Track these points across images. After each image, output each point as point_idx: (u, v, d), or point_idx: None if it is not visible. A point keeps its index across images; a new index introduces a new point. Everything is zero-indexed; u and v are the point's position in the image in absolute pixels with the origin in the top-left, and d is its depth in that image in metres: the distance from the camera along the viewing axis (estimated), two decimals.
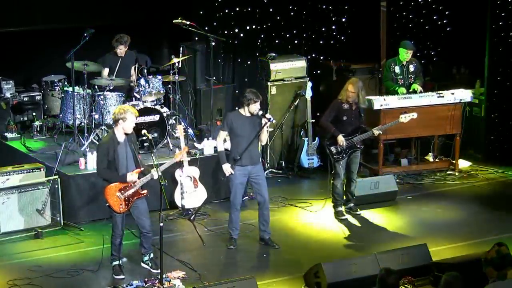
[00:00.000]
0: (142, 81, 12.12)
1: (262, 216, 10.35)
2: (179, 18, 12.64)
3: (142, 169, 9.33)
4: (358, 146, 11.21)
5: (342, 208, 11.39)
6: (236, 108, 10.25)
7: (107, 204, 9.32)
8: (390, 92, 12.85)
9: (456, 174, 13.01)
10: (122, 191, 9.26)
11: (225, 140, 10.34)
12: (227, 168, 10.09)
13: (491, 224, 11.10)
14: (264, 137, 10.23)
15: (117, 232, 9.43)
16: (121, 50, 12.34)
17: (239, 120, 10.08)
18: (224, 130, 10.19)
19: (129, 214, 9.47)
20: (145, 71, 12.41)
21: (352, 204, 11.51)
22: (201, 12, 13.79)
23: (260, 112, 10.05)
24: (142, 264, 9.70)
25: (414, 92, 12.75)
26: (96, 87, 12.06)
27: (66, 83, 12.67)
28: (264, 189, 10.25)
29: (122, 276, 9.46)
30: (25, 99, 12.96)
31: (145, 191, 9.38)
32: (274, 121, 10.56)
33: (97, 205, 11.11)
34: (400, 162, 13.24)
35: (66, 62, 11.89)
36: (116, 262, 9.54)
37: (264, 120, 10.02)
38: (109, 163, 9.22)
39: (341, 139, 11.07)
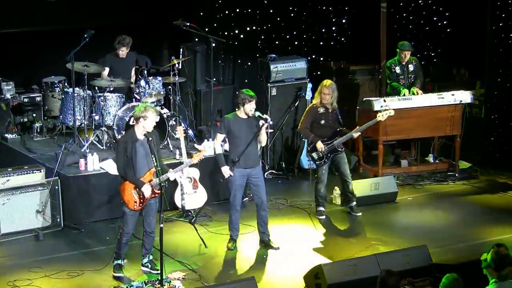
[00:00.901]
0: (142, 82, 12.12)
1: (260, 218, 10.35)
2: (179, 19, 12.66)
3: (159, 169, 9.28)
4: (339, 149, 11.22)
5: (323, 208, 11.41)
6: (236, 110, 10.20)
7: (121, 201, 9.31)
8: (396, 92, 12.82)
9: (456, 175, 13.01)
10: (137, 190, 9.28)
11: (224, 141, 10.34)
12: (226, 170, 10.08)
13: (491, 225, 11.10)
14: (263, 138, 10.20)
15: (126, 231, 9.42)
16: (123, 52, 12.34)
17: (237, 122, 10.05)
18: (221, 133, 10.17)
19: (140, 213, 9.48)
20: (145, 72, 12.41)
21: (353, 204, 11.51)
22: (201, 13, 13.81)
23: (257, 114, 10.01)
24: (142, 267, 9.70)
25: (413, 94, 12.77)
26: (96, 88, 12.06)
27: (66, 84, 12.67)
28: (262, 190, 10.24)
29: (122, 275, 9.46)
30: (25, 100, 12.94)
31: (160, 190, 9.37)
32: (271, 123, 10.50)
33: (97, 206, 11.13)
34: (400, 163, 13.25)
35: (66, 63, 11.89)
36: (118, 261, 9.53)
37: (261, 122, 10.00)
38: (127, 159, 9.22)
39: (320, 145, 11.09)
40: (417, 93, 12.75)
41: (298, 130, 11.80)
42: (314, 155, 11.19)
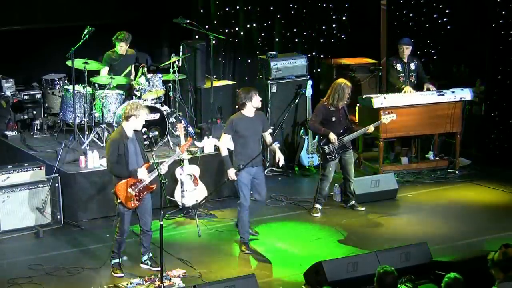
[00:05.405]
0: (142, 80, 12.11)
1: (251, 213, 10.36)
2: (180, 17, 12.65)
3: (151, 163, 9.31)
4: (347, 146, 11.25)
5: (319, 206, 11.41)
6: (241, 111, 10.15)
7: (119, 201, 9.30)
8: (396, 89, 12.84)
9: (456, 172, 13.01)
10: (133, 187, 9.26)
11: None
12: (232, 173, 10.02)
13: (491, 222, 11.10)
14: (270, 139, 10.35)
15: (123, 230, 9.42)
16: (122, 48, 12.34)
17: (243, 122, 10.03)
18: (228, 134, 10.14)
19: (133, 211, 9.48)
20: (145, 69, 12.40)
21: (353, 202, 11.54)
22: (202, 11, 13.80)
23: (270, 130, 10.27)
24: (142, 265, 9.70)
25: (428, 91, 12.79)
26: (96, 85, 12.06)
27: (66, 81, 12.67)
28: (263, 188, 10.24)
29: (121, 274, 9.46)
30: (26, 97, 12.95)
31: (154, 185, 9.38)
32: (278, 144, 10.49)
33: (97, 203, 11.13)
34: (400, 160, 13.25)
35: (66, 61, 11.89)
36: (116, 260, 9.53)
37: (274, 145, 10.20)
38: (119, 157, 9.21)
39: (332, 136, 11.11)
40: (431, 89, 12.79)
41: (308, 127, 12.00)
42: (326, 148, 11.20)
